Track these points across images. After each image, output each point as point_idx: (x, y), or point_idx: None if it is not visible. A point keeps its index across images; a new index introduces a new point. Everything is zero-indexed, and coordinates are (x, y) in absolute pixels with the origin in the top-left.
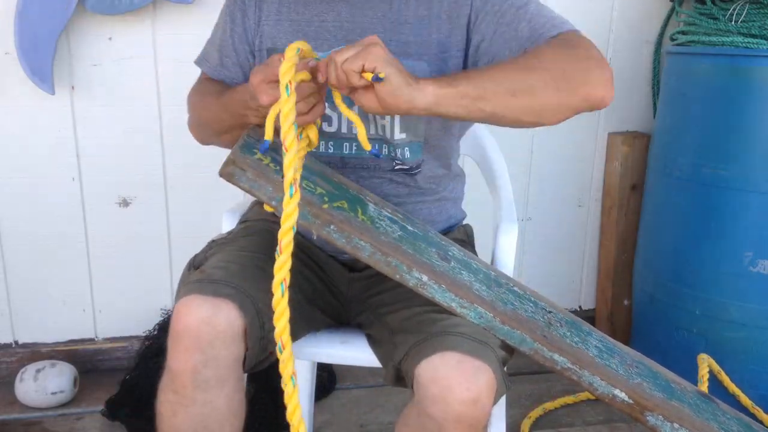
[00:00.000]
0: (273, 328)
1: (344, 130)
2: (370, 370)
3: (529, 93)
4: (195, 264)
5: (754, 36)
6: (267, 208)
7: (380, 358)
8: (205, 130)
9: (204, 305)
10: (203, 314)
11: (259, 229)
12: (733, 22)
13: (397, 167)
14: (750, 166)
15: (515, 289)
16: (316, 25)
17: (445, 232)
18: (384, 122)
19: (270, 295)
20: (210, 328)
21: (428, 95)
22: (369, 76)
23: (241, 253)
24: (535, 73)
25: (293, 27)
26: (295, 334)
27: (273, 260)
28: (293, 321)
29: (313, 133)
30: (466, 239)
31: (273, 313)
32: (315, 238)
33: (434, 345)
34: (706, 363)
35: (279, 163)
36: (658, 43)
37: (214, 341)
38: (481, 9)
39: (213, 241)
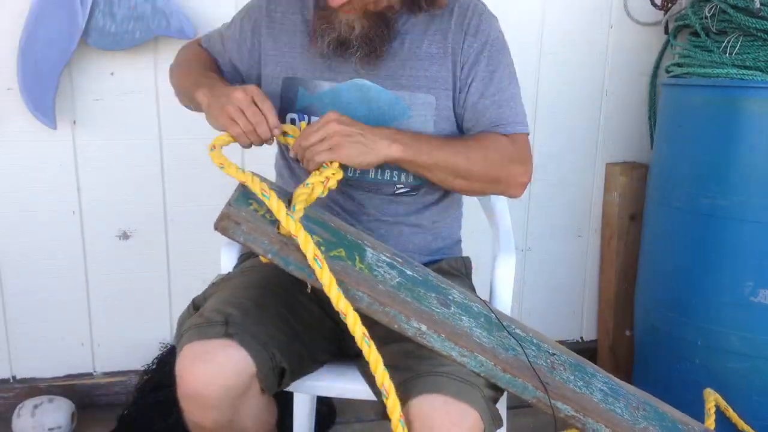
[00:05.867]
0: (283, 358)
1: None
2: (371, 404)
3: (465, 179)
4: (195, 305)
5: (748, 68)
6: (263, 259)
7: (375, 392)
8: (178, 93)
9: (208, 363)
10: (209, 373)
11: (258, 267)
12: (727, 54)
13: (398, 191)
14: (748, 196)
15: (517, 331)
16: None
17: (443, 259)
18: None
19: (270, 325)
20: (217, 387)
21: (380, 155)
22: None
23: (236, 291)
24: (477, 168)
25: (311, 59)
26: (305, 371)
27: (270, 293)
28: (303, 357)
29: (334, 181)
30: (464, 271)
31: (277, 341)
32: (309, 290)
33: (420, 386)
34: (712, 397)
35: None
36: (654, 75)
37: (228, 392)
38: (475, 65)
39: (213, 283)
